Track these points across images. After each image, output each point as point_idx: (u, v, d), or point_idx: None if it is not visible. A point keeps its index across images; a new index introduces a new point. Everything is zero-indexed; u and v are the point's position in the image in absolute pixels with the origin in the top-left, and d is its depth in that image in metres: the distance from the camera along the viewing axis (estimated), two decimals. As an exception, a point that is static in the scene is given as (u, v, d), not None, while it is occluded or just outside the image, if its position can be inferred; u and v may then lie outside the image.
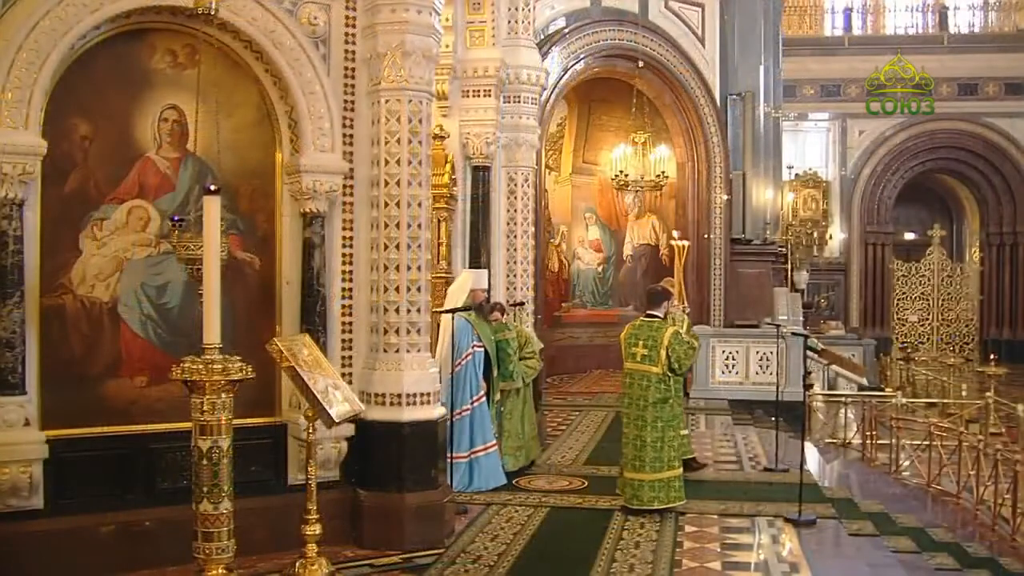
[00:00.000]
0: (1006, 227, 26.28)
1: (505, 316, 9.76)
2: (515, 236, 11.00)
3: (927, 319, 26.12)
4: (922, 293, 26.20)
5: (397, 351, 6.96)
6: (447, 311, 9.37)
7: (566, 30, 15.88)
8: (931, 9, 26.67)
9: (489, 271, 10.59)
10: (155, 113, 6.43)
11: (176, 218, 5.82)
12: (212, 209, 4.88)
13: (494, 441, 9.02)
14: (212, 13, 5.72)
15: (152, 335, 6.43)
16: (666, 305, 8.44)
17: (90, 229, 6.23)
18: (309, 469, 5.78)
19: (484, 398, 8.99)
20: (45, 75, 5.83)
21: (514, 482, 8.99)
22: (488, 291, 10.15)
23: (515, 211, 11.02)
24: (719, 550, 7.05)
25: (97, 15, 5.98)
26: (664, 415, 7.99)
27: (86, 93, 6.19)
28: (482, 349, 9.04)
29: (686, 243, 16.09)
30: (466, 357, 8.83)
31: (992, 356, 15.86)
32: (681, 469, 8.17)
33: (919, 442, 11.45)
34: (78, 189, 6.19)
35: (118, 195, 6.33)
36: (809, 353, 13.19)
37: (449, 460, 7.93)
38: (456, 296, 9.02)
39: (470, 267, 10.53)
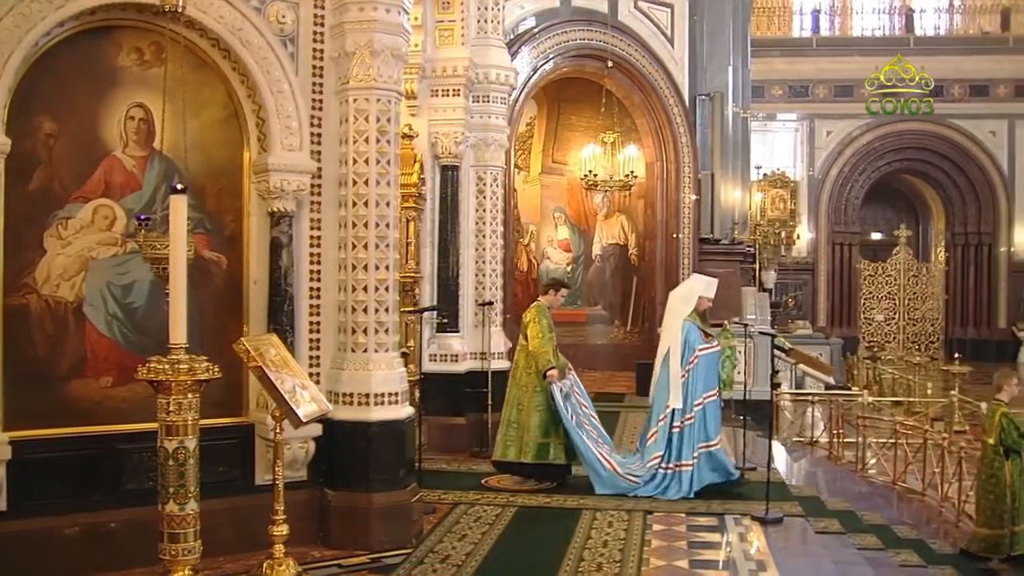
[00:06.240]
0: (971, 227, 26.61)
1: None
2: (484, 236, 11.00)
3: (893, 318, 26.36)
4: (888, 293, 26.44)
5: (365, 351, 6.94)
6: (417, 310, 9.39)
7: (535, 30, 15.86)
8: (897, 12, 26.94)
9: (458, 271, 10.60)
10: (121, 111, 6.37)
11: (142, 217, 5.74)
12: (179, 208, 4.85)
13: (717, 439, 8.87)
14: (179, 11, 5.69)
15: (118, 335, 6.37)
16: (1007, 390, 8.24)
17: (55, 228, 6.16)
18: (276, 469, 5.74)
19: (715, 396, 8.87)
20: (9, 72, 5.75)
21: (483, 481, 8.99)
22: (456, 289, 10.15)
23: (484, 211, 11.02)
24: (687, 548, 7.07)
25: (62, 11, 5.91)
26: (990, 486, 8.09)
27: (51, 91, 6.12)
28: (716, 350, 8.90)
29: None
30: (695, 359, 8.77)
31: (956, 355, 16.00)
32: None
33: (885, 440, 11.55)
34: (43, 187, 6.12)
35: (83, 194, 6.26)
36: (777, 352, 13.25)
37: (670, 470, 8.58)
38: (679, 304, 9.02)
39: (438, 266, 10.53)
